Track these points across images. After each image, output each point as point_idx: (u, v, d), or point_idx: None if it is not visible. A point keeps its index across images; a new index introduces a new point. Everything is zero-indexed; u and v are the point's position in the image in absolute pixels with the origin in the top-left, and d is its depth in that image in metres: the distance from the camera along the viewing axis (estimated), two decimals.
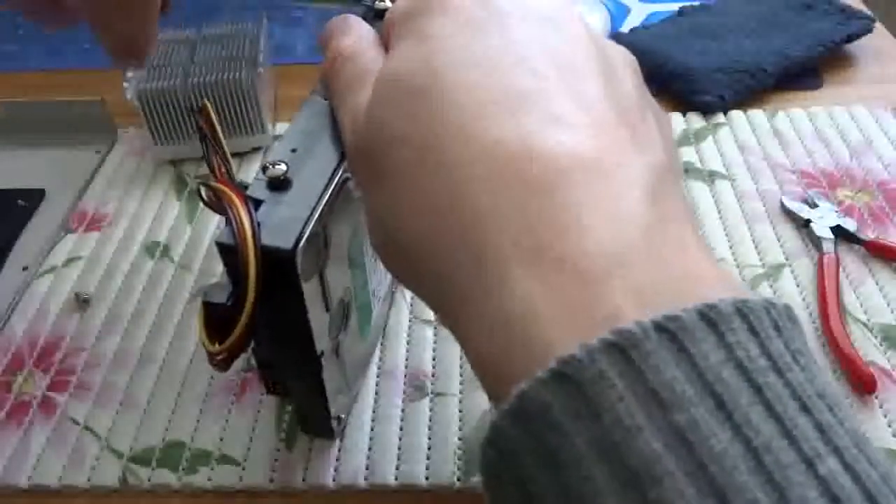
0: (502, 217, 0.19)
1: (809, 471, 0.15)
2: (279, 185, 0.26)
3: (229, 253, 0.24)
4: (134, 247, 0.46)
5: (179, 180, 0.50)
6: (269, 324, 0.27)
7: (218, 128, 0.28)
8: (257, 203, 0.25)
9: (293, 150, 0.27)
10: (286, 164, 0.26)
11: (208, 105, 0.28)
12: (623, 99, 0.21)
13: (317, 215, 0.25)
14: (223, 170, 0.28)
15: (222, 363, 0.25)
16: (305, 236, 0.24)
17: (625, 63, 0.23)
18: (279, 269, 0.24)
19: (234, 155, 0.50)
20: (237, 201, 0.24)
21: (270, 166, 0.26)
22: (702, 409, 0.15)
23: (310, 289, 0.26)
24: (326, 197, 0.26)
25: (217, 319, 0.24)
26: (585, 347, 0.16)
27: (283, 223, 0.24)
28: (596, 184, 0.19)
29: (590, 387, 0.16)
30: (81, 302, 0.42)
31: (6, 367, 0.39)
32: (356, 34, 0.26)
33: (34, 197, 0.49)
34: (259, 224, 0.24)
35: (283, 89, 0.57)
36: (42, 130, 0.54)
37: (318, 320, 0.28)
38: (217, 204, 0.25)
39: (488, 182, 0.19)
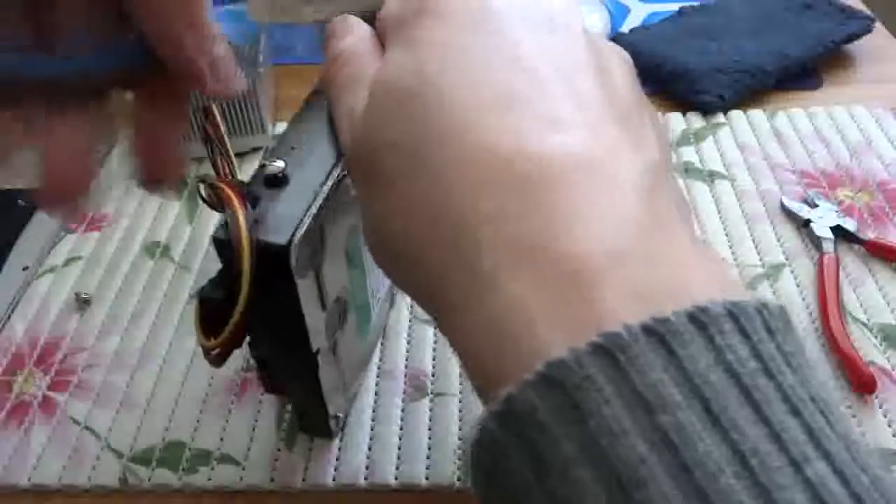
0: (493, 220, 0.19)
1: (797, 474, 0.15)
2: (277, 182, 0.26)
3: (224, 247, 0.24)
4: (134, 247, 0.46)
5: (179, 180, 0.50)
6: (265, 321, 0.27)
7: (223, 130, 0.28)
8: (255, 200, 0.25)
9: (292, 148, 0.27)
10: (284, 161, 0.26)
11: (214, 108, 0.28)
12: (619, 99, 0.21)
13: (313, 212, 0.25)
14: (227, 170, 0.28)
15: (217, 358, 0.25)
16: (301, 233, 0.24)
17: (621, 63, 0.23)
18: (274, 264, 0.24)
19: (234, 155, 0.50)
20: (233, 197, 0.25)
21: (268, 163, 0.26)
22: (688, 412, 0.15)
23: (305, 286, 0.26)
24: (323, 194, 0.26)
25: (212, 315, 0.25)
26: (573, 351, 0.16)
27: (279, 219, 0.25)
28: (590, 184, 0.19)
29: (576, 390, 0.16)
30: (81, 302, 0.42)
31: (6, 367, 0.39)
32: (355, 36, 0.26)
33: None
34: (256, 220, 0.24)
35: (283, 89, 0.57)
36: None
37: (314, 318, 0.28)
38: (216, 201, 0.25)
39: (479, 184, 0.19)
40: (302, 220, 0.25)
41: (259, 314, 0.25)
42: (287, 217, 0.25)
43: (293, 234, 0.24)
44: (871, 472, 0.15)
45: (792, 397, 0.16)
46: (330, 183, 0.26)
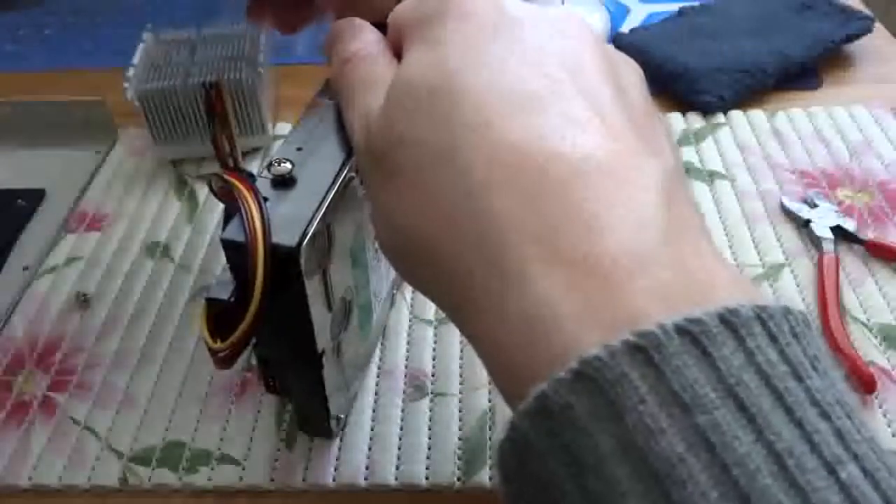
0: (520, 218, 0.19)
1: (831, 476, 0.15)
2: (284, 182, 0.26)
3: (235, 249, 0.24)
4: (134, 247, 0.46)
5: (179, 180, 0.50)
6: (271, 321, 0.27)
7: (228, 107, 0.28)
8: (263, 201, 0.25)
9: (299, 149, 0.27)
10: (291, 162, 0.26)
11: (222, 83, 0.27)
12: (634, 107, 0.22)
13: (321, 213, 0.25)
14: (229, 149, 0.27)
15: (224, 360, 0.25)
16: (310, 234, 0.24)
17: (633, 72, 0.24)
18: (283, 265, 0.24)
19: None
20: (249, 197, 0.24)
21: (276, 164, 0.26)
22: (724, 412, 0.15)
23: (313, 287, 0.26)
24: (331, 195, 0.26)
25: (219, 316, 0.25)
26: (608, 348, 0.16)
27: (288, 221, 0.25)
28: (613, 186, 0.19)
29: (612, 388, 0.15)
30: (81, 302, 0.42)
31: (6, 367, 0.39)
32: (365, 38, 0.26)
33: (34, 197, 0.49)
34: (269, 221, 0.24)
35: (283, 89, 0.57)
36: (42, 130, 0.54)
37: (320, 319, 0.28)
38: (226, 196, 0.25)
39: (505, 184, 0.19)
40: (311, 221, 0.25)
41: (266, 315, 0.25)
42: (296, 218, 0.25)
43: (303, 236, 0.24)
44: (894, 472, 0.15)
45: (820, 401, 0.16)
46: (337, 183, 0.26)
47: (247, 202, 0.24)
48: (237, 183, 0.25)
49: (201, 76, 0.48)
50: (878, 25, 0.59)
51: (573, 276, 0.17)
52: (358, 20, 0.27)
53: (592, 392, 0.16)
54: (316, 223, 0.25)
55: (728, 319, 0.16)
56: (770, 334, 0.16)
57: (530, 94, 0.20)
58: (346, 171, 0.27)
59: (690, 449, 0.15)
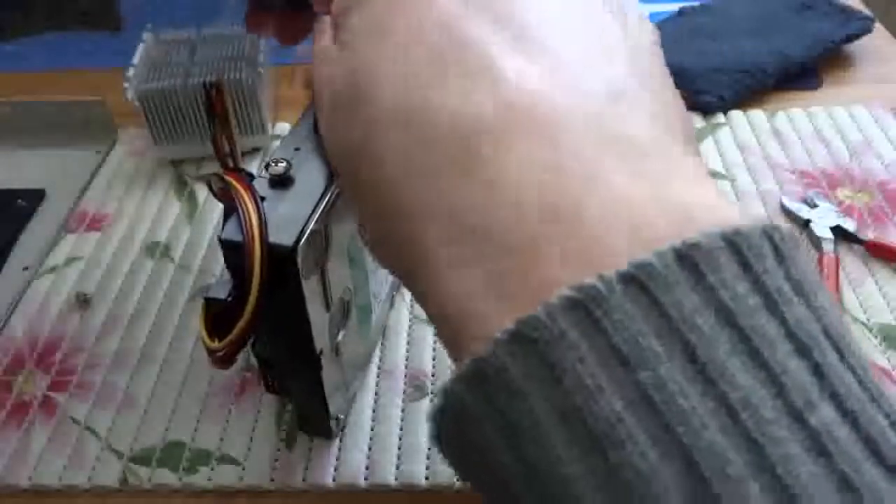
0: (435, 176, 0.18)
1: (795, 424, 0.13)
2: (281, 182, 0.26)
3: (233, 249, 0.24)
4: (134, 247, 0.46)
5: (179, 180, 0.50)
6: (269, 321, 0.27)
7: (229, 106, 0.28)
8: (260, 200, 0.25)
9: (296, 150, 0.27)
10: (288, 162, 0.26)
11: (222, 83, 0.28)
12: (545, 23, 0.20)
13: (318, 213, 0.25)
14: (228, 149, 0.28)
15: (222, 360, 0.25)
16: (307, 234, 0.24)
17: None
18: (280, 265, 0.24)
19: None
20: (247, 197, 0.24)
21: (273, 164, 0.26)
22: (669, 365, 0.14)
23: (310, 286, 0.26)
24: (328, 195, 0.26)
25: (217, 316, 0.25)
26: (546, 306, 0.15)
27: (285, 220, 0.25)
28: (526, 134, 0.17)
29: (549, 347, 0.14)
30: (81, 302, 0.42)
31: (6, 367, 0.39)
32: (328, 36, 0.26)
33: (34, 197, 0.49)
34: (266, 220, 0.24)
35: (283, 89, 0.57)
36: (42, 130, 0.54)
37: (319, 319, 0.28)
38: (226, 196, 0.25)
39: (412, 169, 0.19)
40: (308, 221, 0.25)
41: (264, 314, 0.25)
42: (293, 218, 0.25)
43: (300, 236, 0.24)
44: (893, 412, 0.14)
45: (799, 333, 0.14)
46: (334, 183, 0.26)
47: (244, 202, 0.24)
48: (235, 183, 0.25)
49: (201, 76, 0.48)
50: (878, 25, 0.59)
51: (485, 252, 0.17)
52: (328, 17, 0.27)
53: (529, 353, 0.15)
54: (313, 223, 0.25)
55: (685, 255, 0.15)
56: (743, 262, 0.15)
57: (430, 60, 0.19)
58: None
59: (629, 407, 0.14)
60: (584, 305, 0.14)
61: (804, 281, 0.15)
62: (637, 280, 0.14)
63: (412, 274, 0.19)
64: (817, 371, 0.14)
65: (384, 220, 0.20)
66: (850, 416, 0.14)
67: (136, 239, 0.46)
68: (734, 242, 0.15)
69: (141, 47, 0.52)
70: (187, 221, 0.47)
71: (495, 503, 0.17)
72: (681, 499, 0.13)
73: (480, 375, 0.15)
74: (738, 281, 0.15)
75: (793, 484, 0.13)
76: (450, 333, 0.18)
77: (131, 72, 0.49)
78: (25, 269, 0.45)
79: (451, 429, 0.17)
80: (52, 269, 0.45)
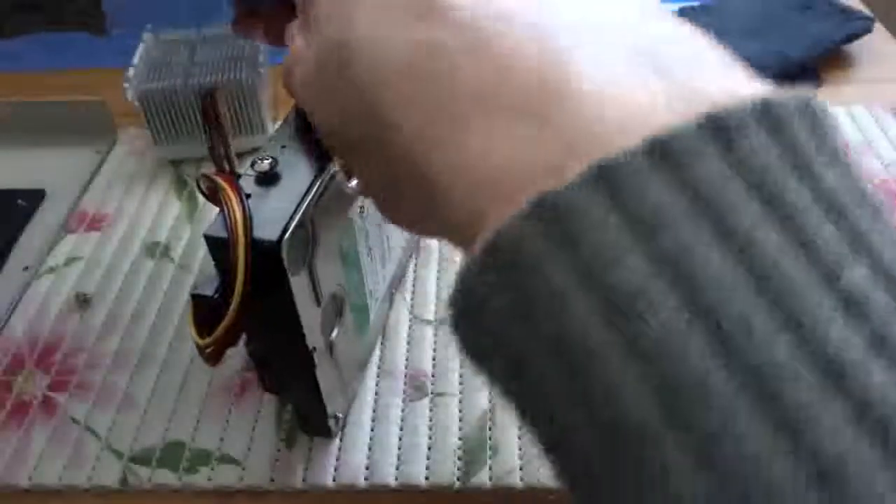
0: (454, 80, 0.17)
1: (825, 286, 0.13)
2: (267, 179, 0.26)
3: (217, 245, 0.24)
4: (134, 247, 0.46)
5: (179, 180, 0.50)
6: (260, 318, 0.27)
7: (224, 116, 0.29)
8: (246, 197, 0.25)
9: (283, 147, 0.28)
10: (274, 159, 0.26)
11: (217, 93, 0.28)
12: None
13: (302, 208, 0.25)
14: (224, 156, 0.28)
15: (211, 356, 0.25)
16: (291, 228, 0.25)
17: None
18: (265, 261, 0.25)
19: (235, 155, 0.50)
20: (231, 193, 0.25)
21: (259, 161, 0.26)
22: (694, 230, 0.13)
23: (298, 282, 0.26)
24: (313, 191, 0.26)
25: (206, 313, 0.25)
26: (565, 181, 0.14)
27: (270, 216, 0.25)
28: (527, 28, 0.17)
29: (567, 216, 0.14)
30: (81, 302, 0.42)
31: (6, 367, 0.39)
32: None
33: (34, 197, 0.49)
34: (251, 217, 0.25)
35: (283, 89, 0.57)
36: (42, 130, 0.54)
37: (309, 315, 0.28)
38: (214, 195, 0.26)
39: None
40: (292, 216, 0.25)
41: (254, 311, 0.25)
42: (277, 213, 0.25)
43: (284, 231, 0.25)
44: None
45: (831, 199, 0.14)
46: (320, 179, 0.26)
47: (228, 198, 0.25)
48: (220, 181, 0.25)
49: (201, 76, 0.48)
50: (878, 25, 0.59)
51: (514, 116, 0.16)
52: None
53: (547, 223, 0.14)
54: (298, 218, 0.25)
55: (715, 121, 0.14)
56: (774, 127, 0.14)
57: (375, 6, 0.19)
58: (328, 168, 0.27)
59: (652, 274, 0.13)
60: (604, 176, 0.14)
61: (836, 151, 0.15)
62: (664, 151, 0.14)
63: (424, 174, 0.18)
64: (852, 232, 0.14)
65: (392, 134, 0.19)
66: (887, 276, 0.13)
67: (136, 239, 0.46)
68: (766, 108, 0.14)
69: (141, 47, 0.52)
70: (187, 221, 0.47)
71: (518, 395, 0.16)
72: (706, 360, 0.13)
73: (495, 250, 0.15)
74: (768, 150, 0.14)
75: (823, 344, 0.13)
76: (465, 216, 0.17)
77: (131, 72, 0.49)
78: (25, 269, 0.45)
79: (465, 309, 0.16)
80: (52, 270, 0.45)
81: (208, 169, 0.28)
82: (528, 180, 0.15)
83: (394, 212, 0.23)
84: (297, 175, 0.26)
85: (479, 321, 0.16)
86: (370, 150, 0.20)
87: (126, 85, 0.48)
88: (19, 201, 0.49)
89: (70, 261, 0.45)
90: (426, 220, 0.20)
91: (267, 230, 0.25)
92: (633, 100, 0.15)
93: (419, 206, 0.19)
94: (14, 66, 0.64)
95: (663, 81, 0.16)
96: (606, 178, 0.14)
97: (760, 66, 0.56)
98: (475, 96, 0.17)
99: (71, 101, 0.53)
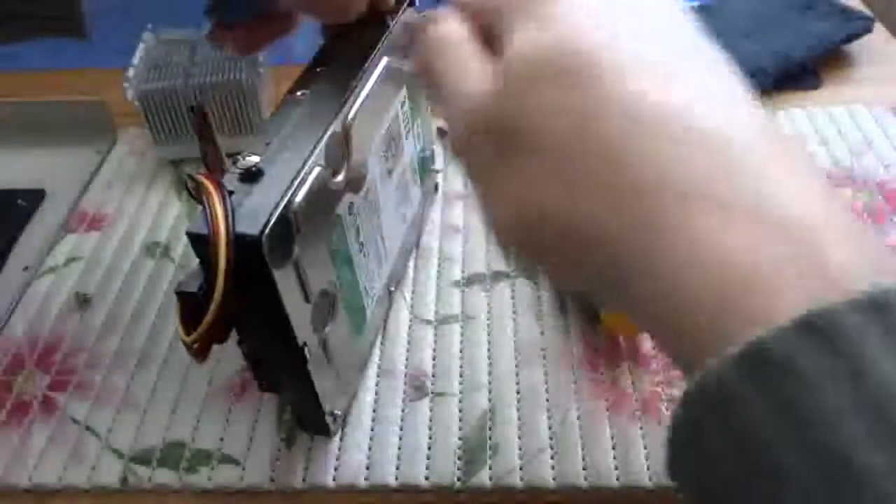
0: (689, 181, 0.18)
1: None
2: (250, 176, 0.26)
3: (199, 241, 0.24)
4: (134, 247, 0.46)
5: (179, 180, 0.50)
6: (248, 314, 0.27)
7: (214, 130, 0.29)
8: (229, 194, 0.26)
9: (267, 144, 0.28)
10: (258, 155, 0.27)
11: (205, 111, 0.28)
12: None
13: (283, 203, 0.25)
14: (215, 158, 0.28)
15: (198, 353, 0.25)
16: (272, 223, 0.25)
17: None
18: (248, 256, 0.25)
19: (234, 154, 0.50)
20: (213, 190, 0.25)
21: (242, 158, 0.27)
22: None
23: (283, 277, 0.26)
24: (297, 186, 0.26)
25: (192, 309, 0.25)
26: (835, 303, 0.15)
27: (251, 211, 0.25)
28: (769, 153, 0.19)
29: (842, 340, 0.15)
30: (81, 302, 0.42)
31: (6, 367, 0.39)
32: (450, 24, 0.25)
33: (34, 197, 0.49)
34: (233, 213, 0.25)
35: (283, 89, 0.57)
36: (42, 130, 0.54)
37: (297, 310, 0.28)
38: (199, 195, 0.26)
39: (663, 150, 0.19)
40: (273, 211, 0.25)
41: (241, 308, 0.25)
42: (259, 209, 0.25)
43: (265, 225, 0.25)
44: None
45: None
46: (302, 174, 0.26)
47: (209, 195, 0.25)
48: (202, 179, 0.26)
49: (201, 76, 0.48)
50: (878, 25, 0.59)
51: (767, 237, 0.17)
52: (439, 11, 0.27)
53: (821, 344, 0.15)
54: (279, 213, 0.25)
55: None
56: None
57: (664, 61, 0.21)
58: (311, 163, 0.27)
59: None
60: (877, 307, 0.15)
61: None
62: None
63: (645, 239, 0.19)
64: None
65: (609, 185, 0.20)
66: None
67: (136, 239, 0.46)
68: None
69: (141, 47, 0.52)
70: (187, 221, 0.47)
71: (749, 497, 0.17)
72: None
73: (760, 359, 0.15)
74: None
75: None
76: (714, 297, 0.17)
77: (131, 72, 0.49)
78: (25, 269, 0.45)
79: (706, 409, 0.17)
80: (52, 269, 0.45)
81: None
82: (779, 290, 0.16)
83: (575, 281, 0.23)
84: (281, 171, 0.27)
85: (725, 421, 0.16)
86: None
87: (126, 85, 0.48)
88: (19, 201, 0.49)
89: (70, 261, 0.45)
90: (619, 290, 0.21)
91: (248, 225, 0.25)
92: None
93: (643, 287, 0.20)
94: (14, 66, 0.64)
95: (848, 235, 0.17)
96: (878, 309, 0.15)
97: (760, 66, 0.56)
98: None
99: (71, 101, 0.53)
